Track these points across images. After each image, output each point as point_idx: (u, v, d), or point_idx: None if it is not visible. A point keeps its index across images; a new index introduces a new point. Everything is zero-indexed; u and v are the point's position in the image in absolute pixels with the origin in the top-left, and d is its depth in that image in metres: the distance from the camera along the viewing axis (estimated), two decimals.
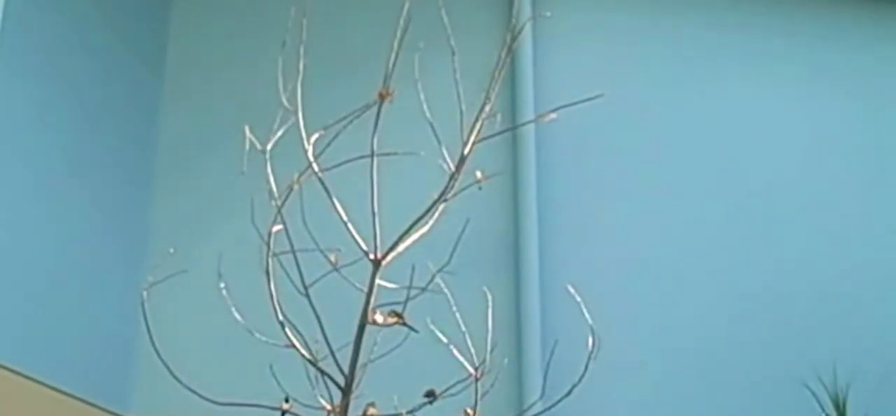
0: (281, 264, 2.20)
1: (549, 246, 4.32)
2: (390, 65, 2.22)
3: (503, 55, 2.37)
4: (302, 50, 2.51)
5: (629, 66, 4.76)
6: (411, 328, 2.13)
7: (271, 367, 2.55)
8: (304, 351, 2.12)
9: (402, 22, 2.28)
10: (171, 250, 3.71)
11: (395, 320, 2.09)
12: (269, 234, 2.18)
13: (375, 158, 2.22)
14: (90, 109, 3.98)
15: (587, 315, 2.62)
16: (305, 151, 2.24)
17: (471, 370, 2.21)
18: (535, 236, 4.30)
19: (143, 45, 4.53)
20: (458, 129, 2.26)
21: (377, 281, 2.12)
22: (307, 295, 2.19)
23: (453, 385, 2.16)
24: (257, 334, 2.34)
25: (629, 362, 4.17)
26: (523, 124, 4.37)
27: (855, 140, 4.82)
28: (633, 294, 4.35)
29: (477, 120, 2.24)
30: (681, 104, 4.74)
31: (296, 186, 2.23)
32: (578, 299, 2.80)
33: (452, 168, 2.20)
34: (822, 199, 4.65)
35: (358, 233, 2.17)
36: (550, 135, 4.45)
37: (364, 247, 2.14)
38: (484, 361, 2.24)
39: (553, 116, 2.55)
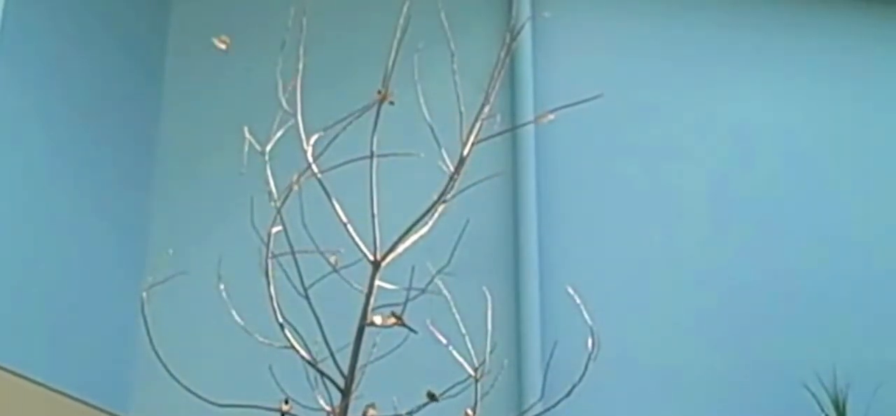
0: (280, 266, 2.20)
1: (549, 246, 4.32)
2: (390, 66, 2.21)
3: (502, 56, 2.37)
4: (301, 51, 2.51)
5: (628, 67, 4.76)
6: (410, 329, 2.12)
7: (271, 368, 2.55)
8: (303, 352, 2.12)
9: (401, 23, 2.28)
10: (171, 251, 3.71)
11: (394, 321, 2.08)
12: (269, 235, 2.18)
13: (375, 160, 2.22)
14: (90, 109, 3.98)
15: (587, 316, 2.62)
16: (305, 153, 2.24)
17: (470, 371, 2.21)
18: (535, 236, 4.30)
19: (143, 46, 4.53)
20: (458, 130, 2.26)
21: (377, 282, 2.12)
22: (307, 296, 2.19)
23: (453, 386, 2.16)
24: (257, 336, 2.34)
25: (629, 362, 4.16)
26: (523, 125, 4.37)
27: (855, 141, 4.82)
28: (633, 294, 4.35)
29: (476, 121, 2.24)
30: (680, 104, 4.74)
31: (295, 188, 2.22)
32: (578, 299, 2.80)
33: (452, 169, 2.20)
34: (821, 199, 4.65)
35: (357, 234, 2.17)
36: (550, 135, 4.45)
37: (363, 248, 2.14)
38: (484, 362, 2.24)
39: (552, 116, 2.55)
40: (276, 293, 2.16)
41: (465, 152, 2.21)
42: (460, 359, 2.26)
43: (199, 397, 2.28)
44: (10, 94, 3.39)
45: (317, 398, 2.11)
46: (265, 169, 2.30)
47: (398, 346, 2.49)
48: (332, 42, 4.50)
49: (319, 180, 2.24)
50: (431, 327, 2.43)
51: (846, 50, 5.01)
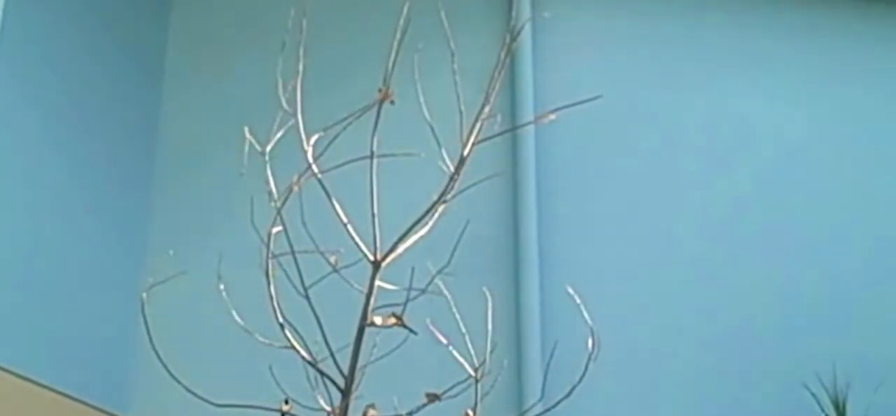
0: (281, 266, 2.20)
1: (549, 246, 4.32)
2: (390, 66, 2.21)
3: (502, 56, 2.37)
4: (301, 51, 2.51)
5: (628, 67, 4.76)
6: (410, 330, 2.12)
7: (271, 368, 2.55)
8: (303, 353, 2.11)
9: (401, 23, 2.28)
10: (171, 252, 3.71)
11: (394, 321, 2.08)
12: (269, 235, 2.18)
13: (375, 160, 2.22)
14: (90, 110, 3.98)
15: (587, 316, 2.62)
16: (305, 153, 2.24)
17: (471, 371, 2.21)
18: (535, 236, 4.30)
19: (143, 46, 4.53)
20: (458, 130, 2.26)
21: (377, 282, 2.12)
22: (307, 296, 2.19)
23: (453, 387, 2.16)
24: (257, 336, 2.34)
25: (629, 362, 4.16)
26: (523, 125, 4.37)
27: (855, 141, 4.82)
28: (633, 294, 4.35)
29: (476, 121, 2.24)
30: (680, 105, 4.74)
31: (295, 188, 2.22)
32: (578, 299, 2.80)
33: (452, 169, 2.20)
34: (821, 199, 4.65)
35: (358, 234, 2.17)
36: (550, 136, 4.45)
37: (364, 248, 2.14)
38: (484, 362, 2.24)
39: (552, 116, 2.55)
40: (276, 293, 2.15)
41: (465, 152, 2.20)
42: (460, 359, 2.26)
43: (199, 397, 2.28)
44: (10, 94, 3.39)
45: (317, 398, 2.10)
46: (265, 169, 2.30)
47: (398, 346, 2.49)
48: (332, 42, 4.50)
49: (320, 180, 2.24)
50: (431, 328, 2.43)
51: (847, 50, 5.01)
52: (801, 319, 4.38)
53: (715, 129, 4.73)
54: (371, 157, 2.22)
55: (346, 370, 2.06)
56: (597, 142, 4.57)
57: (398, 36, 2.25)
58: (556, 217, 4.39)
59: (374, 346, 2.23)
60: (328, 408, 2.08)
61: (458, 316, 2.54)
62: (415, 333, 2.17)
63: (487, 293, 2.76)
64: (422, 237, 2.18)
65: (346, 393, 2.06)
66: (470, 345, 2.36)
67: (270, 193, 2.25)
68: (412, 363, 3.00)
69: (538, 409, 3.59)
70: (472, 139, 2.21)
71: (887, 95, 4.95)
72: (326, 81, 4.00)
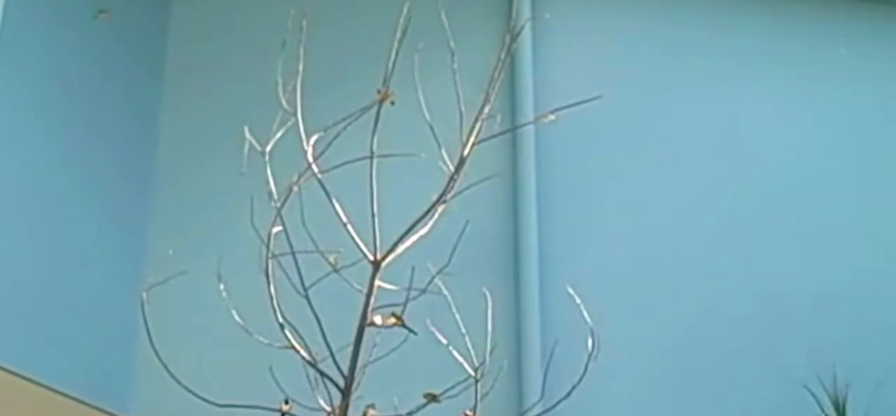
0: (281, 266, 2.20)
1: (549, 246, 4.32)
2: (390, 66, 2.21)
3: (502, 56, 2.37)
4: (301, 51, 2.51)
5: (628, 67, 4.75)
6: (410, 330, 2.13)
7: (271, 368, 2.55)
8: (303, 353, 2.12)
9: (401, 23, 2.28)
10: (171, 252, 3.71)
11: (394, 321, 2.08)
12: (269, 235, 2.18)
13: (375, 160, 2.22)
14: (90, 109, 3.98)
15: (587, 316, 2.62)
16: (305, 153, 2.24)
17: (470, 371, 2.21)
18: (535, 236, 4.30)
19: (143, 46, 4.53)
20: (458, 130, 2.26)
21: (377, 282, 2.12)
22: (307, 297, 2.19)
23: (453, 387, 2.16)
24: (257, 336, 2.34)
25: (629, 362, 4.16)
26: (523, 125, 4.37)
27: (854, 141, 4.82)
28: (634, 294, 4.35)
29: (476, 121, 2.24)
30: (680, 105, 4.74)
31: (295, 188, 2.22)
32: (578, 299, 2.80)
33: (452, 169, 2.20)
34: (821, 200, 4.65)
35: (358, 234, 2.17)
36: (550, 136, 4.45)
37: (363, 248, 2.14)
38: (484, 362, 2.24)
39: (552, 117, 2.56)
40: (276, 293, 2.15)
41: (465, 152, 2.21)
42: (460, 359, 2.26)
43: (199, 397, 2.29)
44: (10, 94, 3.39)
45: (317, 398, 2.11)
46: (265, 169, 2.30)
47: (398, 346, 2.49)
48: (332, 42, 4.50)
49: (319, 180, 2.24)
50: (431, 328, 2.44)
51: (848, 50, 5.01)
52: (801, 319, 4.38)
53: (715, 129, 4.72)
54: (371, 157, 2.22)
55: (346, 370, 2.06)
56: (597, 142, 4.57)
57: (398, 36, 2.25)
58: (556, 217, 4.39)
59: (374, 346, 2.23)
60: (328, 408, 2.08)
61: (457, 316, 2.54)
62: (415, 333, 2.17)
63: (487, 293, 2.76)
64: (422, 237, 2.18)
65: (346, 393, 2.06)
66: (470, 345, 2.36)
67: (270, 193, 2.25)
68: (412, 363, 3.00)
69: (538, 409, 3.59)
70: (472, 139, 2.21)
71: (888, 95, 4.95)
72: (326, 81, 4.00)
